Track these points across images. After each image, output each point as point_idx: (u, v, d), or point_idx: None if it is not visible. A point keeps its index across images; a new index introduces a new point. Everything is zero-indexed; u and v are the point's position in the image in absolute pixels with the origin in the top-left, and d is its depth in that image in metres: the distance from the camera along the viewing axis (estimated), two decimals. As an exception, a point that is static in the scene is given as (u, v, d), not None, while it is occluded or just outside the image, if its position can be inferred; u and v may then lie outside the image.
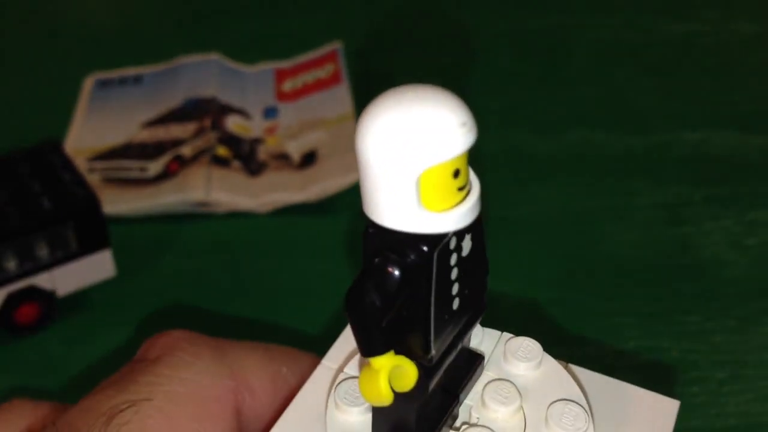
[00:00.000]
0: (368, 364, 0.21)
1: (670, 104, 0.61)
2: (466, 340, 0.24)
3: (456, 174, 0.20)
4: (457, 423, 0.24)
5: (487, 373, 0.25)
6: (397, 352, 0.21)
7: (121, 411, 0.27)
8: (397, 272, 0.20)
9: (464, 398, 0.24)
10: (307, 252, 0.51)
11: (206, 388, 0.29)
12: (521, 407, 0.24)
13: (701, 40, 0.67)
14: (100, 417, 0.27)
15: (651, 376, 0.43)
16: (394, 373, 0.21)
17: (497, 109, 0.60)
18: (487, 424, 0.24)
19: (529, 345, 0.25)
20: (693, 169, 0.55)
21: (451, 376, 0.24)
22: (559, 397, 0.24)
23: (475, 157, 0.23)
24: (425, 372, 0.21)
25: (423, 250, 0.20)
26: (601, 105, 0.61)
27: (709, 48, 0.67)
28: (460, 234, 0.21)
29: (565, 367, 0.26)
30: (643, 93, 0.63)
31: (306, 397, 0.26)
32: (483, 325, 0.26)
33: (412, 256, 0.20)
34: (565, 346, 0.44)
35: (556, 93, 0.63)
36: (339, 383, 0.25)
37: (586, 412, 0.24)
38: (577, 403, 0.24)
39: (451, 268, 0.21)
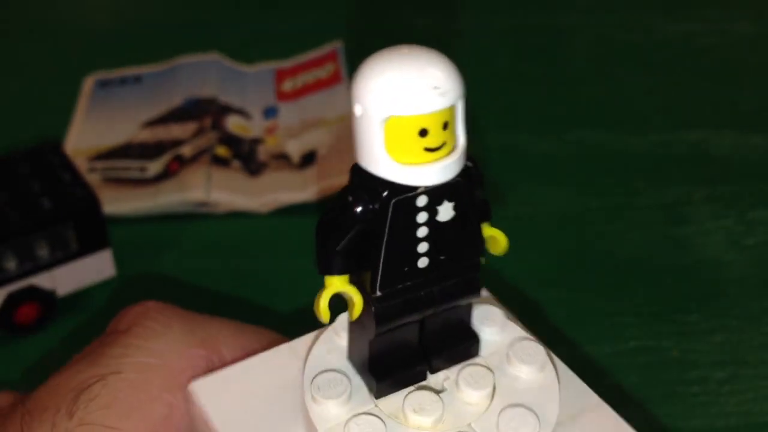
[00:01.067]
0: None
1: (670, 104, 0.61)
2: (461, 313, 0.25)
3: (423, 133, 0.21)
4: (423, 385, 0.25)
5: (483, 359, 0.26)
6: (355, 284, 0.23)
7: (90, 386, 0.27)
8: (358, 209, 0.22)
9: (443, 367, 0.25)
10: (307, 252, 0.50)
11: (177, 358, 0.28)
12: (490, 398, 0.25)
13: (701, 40, 0.67)
14: (69, 393, 0.27)
15: (651, 376, 0.43)
16: (347, 298, 0.23)
17: (497, 109, 0.60)
18: (446, 398, 0.24)
19: (535, 349, 0.26)
20: (693, 169, 0.55)
21: (433, 341, 0.25)
22: (526, 404, 0.24)
23: (475, 156, 0.23)
24: (376, 313, 0.23)
25: (382, 196, 0.22)
26: (601, 105, 0.61)
27: (709, 48, 0.67)
28: (434, 195, 0.22)
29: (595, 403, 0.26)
30: (643, 93, 0.63)
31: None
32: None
33: (374, 199, 0.22)
34: (565, 346, 0.44)
35: (556, 93, 0.63)
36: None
37: (539, 423, 0.24)
38: (535, 414, 0.24)
39: (418, 225, 0.22)
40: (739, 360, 0.43)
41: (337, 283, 0.23)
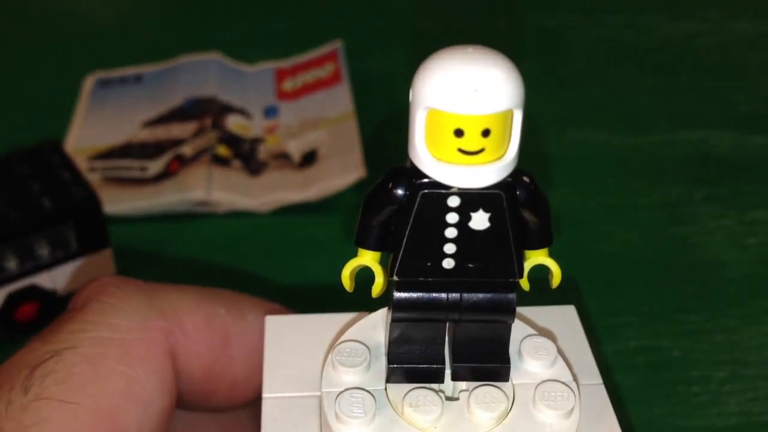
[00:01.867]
0: None
1: (670, 104, 0.61)
2: (500, 332, 0.25)
3: (458, 133, 0.21)
4: (436, 387, 0.25)
5: (508, 386, 0.25)
6: (384, 266, 0.24)
7: (44, 361, 0.26)
8: (396, 190, 0.23)
9: (462, 376, 0.25)
10: (307, 251, 0.51)
11: (134, 331, 0.27)
12: (495, 421, 0.24)
13: (701, 40, 0.67)
14: (23, 369, 0.26)
15: (651, 376, 0.43)
16: (375, 274, 0.24)
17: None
18: (451, 403, 0.24)
19: (563, 392, 0.25)
20: (693, 169, 0.55)
21: (461, 350, 0.25)
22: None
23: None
24: (394, 300, 0.24)
25: (414, 183, 0.22)
26: (601, 105, 0.61)
27: (709, 48, 0.67)
28: (468, 201, 0.22)
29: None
30: (643, 93, 0.63)
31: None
32: None
33: (407, 185, 0.22)
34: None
35: (556, 92, 0.63)
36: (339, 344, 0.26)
37: None
38: None
39: (447, 224, 0.22)
40: (740, 360, 0.43)
41: (367, 257, 0.24)
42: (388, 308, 0.25)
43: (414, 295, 0.24)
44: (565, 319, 0.30)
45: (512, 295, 0.24)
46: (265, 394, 0.27)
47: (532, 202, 0.23)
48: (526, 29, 0.69)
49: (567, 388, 0.25)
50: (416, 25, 0.70)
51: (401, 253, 0.23)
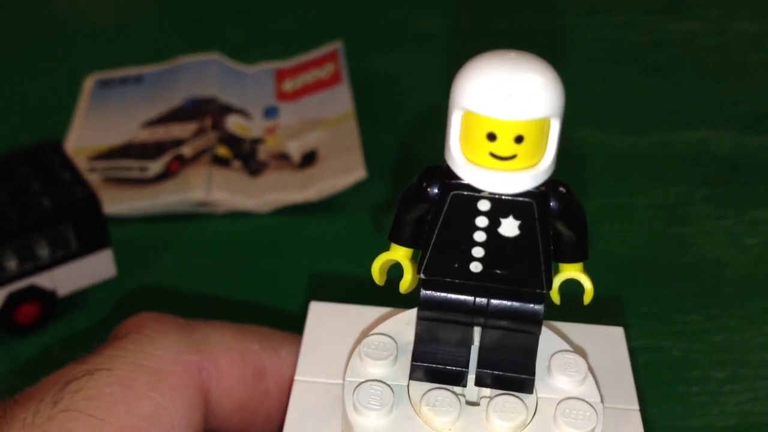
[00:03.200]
0: None
1: (670, 104, 0.61)
2: (527, 342, 0.24)
3: (491, 137, 0.21)
4: (458, 391, 0.25)
5: (530, 398, 0.25)
6: (414, 262, 0.24)
7: (77, 378, 0.27)
8: (429, 189, 0.23)
9: (485, 382, 0.25)
10: (307, 252, 0.51)
11: (168, 362, 0.28)
12: (520, 428, 0.24)
13: (701, 40, 0.67)
14: (56, 384, 0.27)
15: (651, 376, 0.43)
16: (405, 270, 0.24)
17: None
18: (471, 408, 0.24)
19: (585, 412, 0.24)
20: (693, 169, 0.55)
21: (488, 357, 0.25)
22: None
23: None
24: (421, 297, 0.24)
25: (446, 183, 0.22)
26: (601, 105, 0.61)
27: (709, 48, 0.67)
28: (499, 206, 0.22)
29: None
30: (644, 93, 0.63)
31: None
32: None
33: (440, 184, 0.23)
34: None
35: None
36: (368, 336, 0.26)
37: None
38: None
39: (476, 228, 0.22)
40: (739, 360, 0.43)
41: (399, 253, 0.24)
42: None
43: (440, 294, 0.24)
44: (611, 340, 0.30)
45: (539, 307, 0.24)
46: (297, 377, 0.27)
47: (565, 214, 0.23)
48: (526, 29, 0.69)
49: (591, 408, 0.24)
50: (416, 25, 0.70)
51: (429, 251, 0.23)
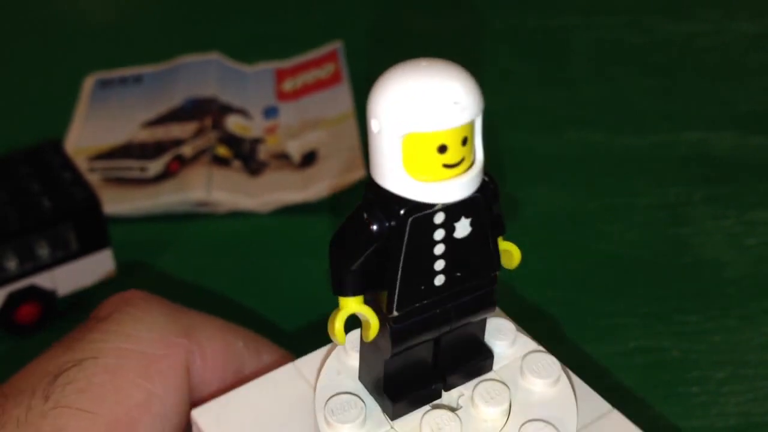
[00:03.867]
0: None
1: (670, 104, 0.61)
2: (475, 329, 0.25)
3: (442, 149, 0.21)
4: (437, 404, 0.25)
5: (495, 373, 0.25)
6: (369, 304, 0.23)
7: (66, 370, 0.27)
8: (374, 227, 0.22)
9: (457, 384, 0.25)
10: (307, 251, 0.51)
11: (155, 344, 0.28)
12: (507, 413, 0.24)
13: (701, 40, 0.67)
14: (45, 377, 0.26)
15: (651, 376, 0.43)
16: (362, 320, 0.23)
17: (497, 109, 0.60)
18: (464, 416, 0.24)
19: (548, 362, 0.25)
20: (693, 169, 0.55)
21: (448, 358, 0.24)
22: (545, 419, 0.24)
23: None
24: (392, 333, 0.22)
25: (399, 213, 0.21)
26: (601, 105, 0.61)
27: (709, 48, 0.67)
28: (451, 212, 0.22)
29: (606, 412, 0.26)
30: (643, 93, 0.63)
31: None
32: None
33: (390, 216, 0.21)
34: (565, 347, 0.44)
35: (556, 93, 0.63)
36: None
37: None
38: (555, 428, 0.24)
39: (435, 242, 0.22)
40: (739, 360, 0.43)
41: (352, 305, 0.22)
42: (370, 345, 0.23)
43: (410, 323, 0.23)
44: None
45: (493, 288, 0.24)
46: None
47: (497, 195, 0.23)
48: (526, 30, 0.69)
49: (545, 355, 0.26)
50: (416, 25, 0.70)
51: (397, 287, 0.22)
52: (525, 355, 0.26)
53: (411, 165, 0.21)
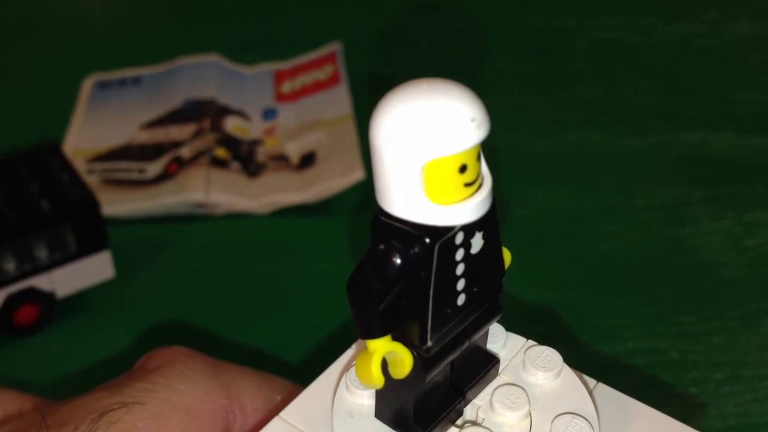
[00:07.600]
0: (365, 347, 0.21)
1: (669, 105, 0.61)
2: (479, 339, 0.24)
3: (462, 169, 0.20)
4: (461, 421, 0.24)
5: (502, 377, 0.25)
6: (396, 339, 0.21)
7: (113, 410, 0.27)
8: (398, 260, 0.21)
9: (472, 397, 0.25)
10: (306, 253, 0.51)
11: (199, 402, 0.29)
12: (529, 414, 0.24)
13: (701, 41, 0.67)
14: (91, 414, 0.27)
15: (650, 376, 0.43)
16: (391, 358, 0.21)
17: (497, 109, 0.60)
18: (490, 427, 0.24)
19: (549, 355, 0.25)
20: (692, 169, 0.55)
21: (461, 374, 0.24)
22: (569, 410, 0.24)
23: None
24: (423, 363, 0.22)
25: (425, 242, 0.20)
26: (601, 105, 0.61)
27: (709, 48, 0.67)
28: (468, 230, 0.21)
29: (593, 387, 0.26)
30: (643, 93, 0.63)
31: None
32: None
33: (415, 246, 0.20)
34: (564, 347, 0.44)
35: (556, 93, 0.63)
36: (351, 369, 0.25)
37: (593, 428, 0.23)
38: (585, 418, 0.24)
39: (457, 263, 0.21)
40: (738, 361, 0.43)
41: (383, 345, 0.21)
42: (392, 380, 0.22)
43: (439, 348, 0.22)
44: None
45: (500, 295, 0.23)
46: None
47: (496, 201, 0.22)
48: (526, 30, 0.69)
49: (543, 348, 0.26)
50: (415, 26, 0.70)
51: (430, 317, 0.21)
52: (524, 351, 0.26)
53: (433, 191, 0.20)
